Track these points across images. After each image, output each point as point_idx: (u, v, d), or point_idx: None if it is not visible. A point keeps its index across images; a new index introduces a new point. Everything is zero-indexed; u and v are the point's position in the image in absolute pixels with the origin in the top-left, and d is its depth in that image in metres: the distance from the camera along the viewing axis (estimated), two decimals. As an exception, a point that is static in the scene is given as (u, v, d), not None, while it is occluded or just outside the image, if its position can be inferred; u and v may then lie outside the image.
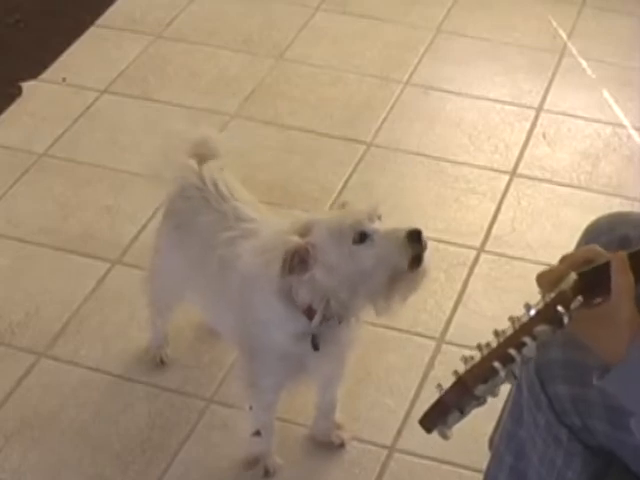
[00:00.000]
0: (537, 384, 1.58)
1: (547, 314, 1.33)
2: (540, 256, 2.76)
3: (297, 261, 1.87)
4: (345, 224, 1.88)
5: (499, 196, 2.98)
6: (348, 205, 2.00)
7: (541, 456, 1.61)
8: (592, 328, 1.36)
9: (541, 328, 1.31)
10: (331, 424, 2.30)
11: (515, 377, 1.31)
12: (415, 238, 1.85)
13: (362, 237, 1.86)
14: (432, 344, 2.54)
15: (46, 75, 3.43)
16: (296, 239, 1.89)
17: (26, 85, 3.38)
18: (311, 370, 2.08)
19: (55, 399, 2.41)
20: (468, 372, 1.30)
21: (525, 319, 1.33)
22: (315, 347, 1.98)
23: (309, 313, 1.95)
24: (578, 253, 1.44)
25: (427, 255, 1.87)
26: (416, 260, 1.85)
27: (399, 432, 2.34)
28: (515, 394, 1.65)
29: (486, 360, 1.30)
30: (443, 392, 1.30)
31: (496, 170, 3.08)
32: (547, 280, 1.38)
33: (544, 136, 3.22)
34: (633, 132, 3.23)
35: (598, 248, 1.43)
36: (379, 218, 1.90)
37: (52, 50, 3.52)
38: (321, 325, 1.96)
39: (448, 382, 1.31)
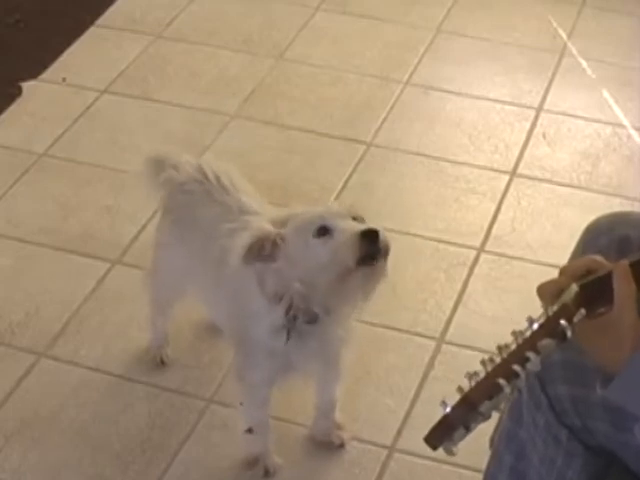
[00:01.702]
0: (537, 384, 1.58)
1: (550, 328, 1.32)
2: (540, 256, 2.76)
3: (262, 249, 1.89)
4: (308, 218, 1.90)
5: (499, 196, 2.98)
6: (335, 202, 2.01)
7: (541, 456, 1.61)
8: (595, 338, 1.36)
9: (545, 342, 1.31)
10: (331, 424, 2.30)
11: (520, 391, 1.31)
12: (370, 237, 1.84)
13: (321, 231, 1.87)
14: (432, 344, 2.54)
15: (46, 75, 3.43)
16: (268, 228, 1.91)
17: (26, 85, 3.38)
18: (297, 366, 2.08)
19: (55, 399, 2.41)
20: (473, 390, 1.30)
21: (528, 333, 1.33)
22: (287, 338, 1.98)
23: (278, 302, 1.96)
24: (579, 263, 1.43)
25: (383, 257, 1.85)
26: (367, 258, 1.84)
27: (399, 432, 2.34)
28: (515, 394, 1.65)
29: (490, 377, 1.30)
30: (449, 410, 1.30)
31: (496, 170, 3.08)
32: (548, 292, 1.37)
33: (544, 136, 3.22)
34: (633, 132, 3.23)
35: (599, 258, 1.42)
36: (357, 219, 1.90)
37: (52, 50, 3.52)
38: (291, 320, 1.96)
39: (451, 398, 1.31)
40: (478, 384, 1.30)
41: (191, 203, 2.20)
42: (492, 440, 1.92)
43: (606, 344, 1.35)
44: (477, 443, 2.02)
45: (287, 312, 1.95)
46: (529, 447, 1.63)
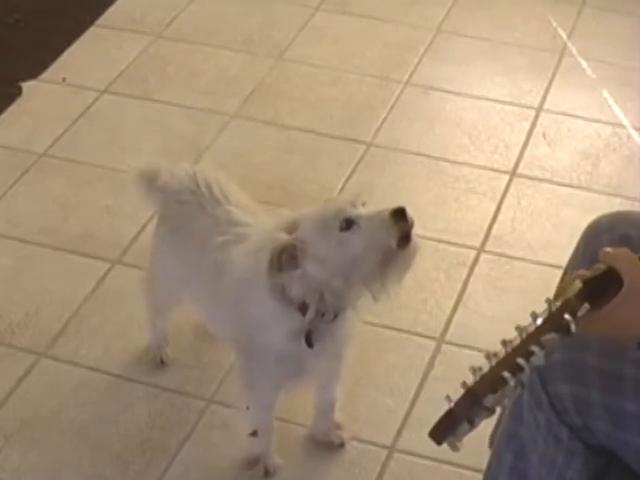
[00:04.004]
0: (538, 383, 1.58)
1: (554, 322, 1.33)
2: (540, 256, 2.76)
3: (286, 258, 1.87)
4: (329, 214, 1.89)
5: (499, 196, 2.98)
6: (332, 199, 2.01)
7: (541, 455, 1.61)
8: (614, 320, 1.36)
9: (549, 337, 1.31)
10: (331, 424, 2.30)
11: (523, 386, 1.31)
12: (400, 216, 1.84)
13: (348, 224, 1.86)
14: (432, 344, 2.53)
15: (46, 75, 3.43)
16: (283, 236, 1.89)
17: (26, 85, 3.38)
18: (309, 369, 2.07)
19: (55, 399, 2.41)
20: (477, 383, 1.30)
21: (532, 328, 1.33)
22: (309, 344, 1.98)
23: (303, 309, 1.94)
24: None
25: (414, 232, 1.86)
26: (404, 238, 1.85)
27: (399, 432, 2.34)
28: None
29: (495, 370, 1.30)
30: (453, 403, 1.30)
31: (496, 170, 3.08)
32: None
33: (544, 136, 3.22)
34: (633, 132, 3.23)
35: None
36: (363, 204, 1.90)
37: (52, 50, 3.52)
38: (316, 320, 1.95)
39: (455, 393, 1.31)
40: (483, 377, 1.30)
41: (185, 213, 2.19)
42: (491, 440, 1.92)
43: (629, 319, 1.34)
44: (477, 443, 2.02)
45: (315, 313, 1.94)
46: (529, 446, 1.63)
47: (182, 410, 2.38)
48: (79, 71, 3.44)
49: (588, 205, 2.93)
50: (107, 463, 2.27)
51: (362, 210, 1.88)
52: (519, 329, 1.34)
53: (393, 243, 1.84)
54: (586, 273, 1.41)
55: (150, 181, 2.26)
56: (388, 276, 1.89)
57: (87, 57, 3.51)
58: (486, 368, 1.31)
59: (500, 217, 2.91)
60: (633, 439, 1.51)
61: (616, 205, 2.91)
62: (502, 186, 3.02)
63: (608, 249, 1.41)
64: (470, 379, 1.31)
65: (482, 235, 2.85)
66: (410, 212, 1.85)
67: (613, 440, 1.54)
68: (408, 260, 1.88)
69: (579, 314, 1.33)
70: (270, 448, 2.23)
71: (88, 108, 3.28)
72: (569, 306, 1.34)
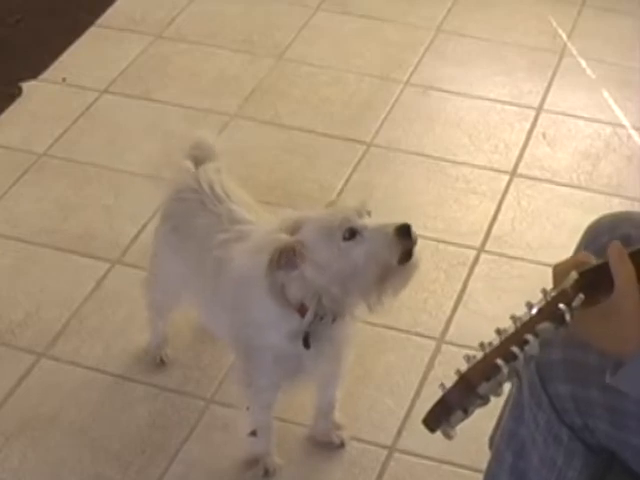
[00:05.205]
0: (538, 383, 1.58)
1: (549, 312, 1.33)
2: (540, 256, 2.76)
3: (285, 258, 1.87)
4: (334, 221, 1.87)
5: (499, 196, 2.98)
6: (336, 203, 2.00)
7: (541, 455, 1.61)
8: (598, 326, 1.35)
9: (543, 326, 1.31)
10: (331, 424, 2.30)
11: (518, 375, 1.31)
12: (404, 233, 1.83)
13: (351, 233, 1.85)
14: (432, 344, 2.54)
15: (46, 75, 3.43)
16: (284, 237, 1.89)
17: (26, 85, 3.38)
18: (307, 369, 2.07)
19: (55, 399, 2.41)
20: (471, 370, 1.30)
21: (527, 317, 1.33)
22: (306, 345, 1.98)
23: (302, 311, 1.94)
24: (570, 262, 1.43)
25: (417, 249, 1.85)
26: (406, 254, 1.84)
27: (399, 432, 2.34)
28: (515, 393, 1.66)
29: (489, 358, 1.30)
30: (446, 391, 1.29)
31: (496, 170, 3.08)
32: (564, 270, 1.37)
33: (544, 136, 3.22)
34: (633, 132, 3.23)
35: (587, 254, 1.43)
36: (369, 214, 1.89)
37: (52, 50, 3.52)
38: (314, 322, 1.95)
39: (450, 381, 1.30)
40: (476, 364, 1.30)
41: (186, 212, 2.19)
42: (491, 440, 1.92)
43: (610, 331, 1.34)
44: (477, 443, 2.03)
45: (314, 315, 1.94)
46: (529, 446, 1.63)
47: (182, 410, 2.38)
48: (79, 71, 3.44)
49: (588, 205, 2.93)
50: (107, 463, 2.27)
51: (367, 221, 1.87)
52: (514, 318, 1.34)
53: (394, 260, 1.83)
54: (585, 257, 1.41)
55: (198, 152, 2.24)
56: (385, 290, 1.89)
57: (87, 57, 3.51)
58: (480, 356, 1.31)
59: (500, 217, 2.92)
60: (633, 439, 1.51)
61: (616, 205, 2.91)
62: (502, 186, 3.02)
63: (618, 244, 1.39)
64: (464, 367, 1.30)
65: (482, 235, 2.85)
66: (414, 230, 1.84)
67: (613, 440, 1.54)
68: (407, 276, 1.88)
69: (574, 304, 1.33)
70: (270, 448, 2.23)
71: (88, 108, 3.29)
72: (564, 296, 1.34)
